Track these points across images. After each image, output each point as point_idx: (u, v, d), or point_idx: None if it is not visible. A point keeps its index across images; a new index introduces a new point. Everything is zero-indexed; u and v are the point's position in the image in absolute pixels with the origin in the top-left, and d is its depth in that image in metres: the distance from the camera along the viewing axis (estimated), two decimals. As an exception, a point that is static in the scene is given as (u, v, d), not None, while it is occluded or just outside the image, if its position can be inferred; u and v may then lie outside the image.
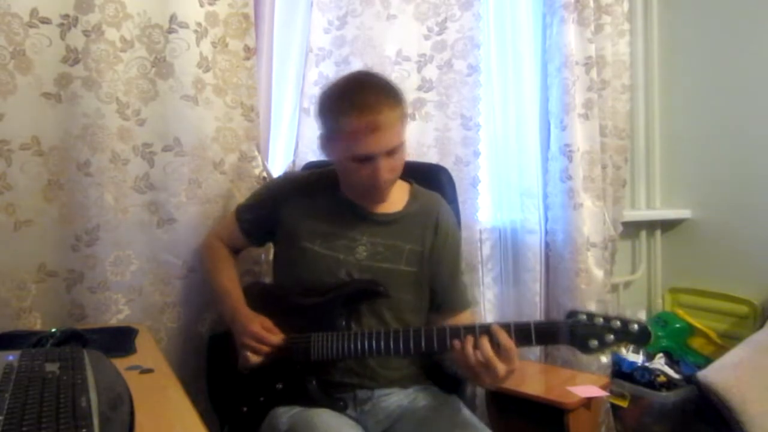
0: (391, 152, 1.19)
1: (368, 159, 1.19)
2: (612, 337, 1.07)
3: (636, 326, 1.07)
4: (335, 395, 1.25)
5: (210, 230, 1.50)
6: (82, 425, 0.62)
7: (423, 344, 1.14)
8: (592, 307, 2.11)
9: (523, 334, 1.09)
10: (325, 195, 1.33)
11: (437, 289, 1.34)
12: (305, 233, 1.31)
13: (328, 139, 1.26)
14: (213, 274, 1.41)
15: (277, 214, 1.36)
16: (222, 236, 1.46)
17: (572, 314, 1.10)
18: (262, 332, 1.21)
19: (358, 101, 1.17)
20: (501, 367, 1.06)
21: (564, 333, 1.09)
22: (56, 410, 0.65)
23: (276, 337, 1.21)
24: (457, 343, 1.09)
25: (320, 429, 1.12)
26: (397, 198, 1.34)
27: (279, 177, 1.56)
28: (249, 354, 1.21)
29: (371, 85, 1.21)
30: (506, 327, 1.10)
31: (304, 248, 1.30)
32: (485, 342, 1.07)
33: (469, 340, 1.08)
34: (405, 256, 1.30)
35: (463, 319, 1.34)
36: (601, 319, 1.08)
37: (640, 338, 1.07)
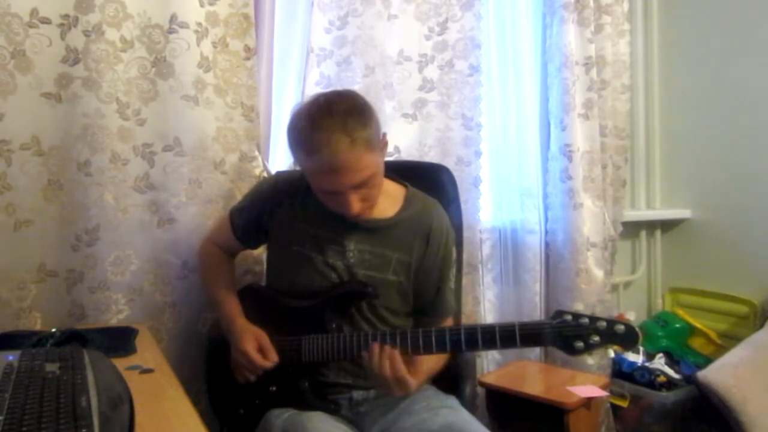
0: (360, 185, 1.14)
1: (335, 192, 1.16)
2: (597, 338, 1.04)
3: (622, 327, 1.03)
4: (329, 397, 1.25)
5: (206, 235, 1.49)
6: (82, 425, 0.62)
7: (409, 346, 1.13)
8: (593, 307, 2.11)
9: (507, 335, 1.08)
10: (316, 197, 1.29)
11: (422, 298, 1.33)
12: (296, 236, 1.30)
13: (299, 167, 1.23)
14: (209, 284, 1.39)
15: (269, 216, 1.34)
16: (217, 240, 1.44)
17: (557, 314, 1.07)
18: (255, 355, 1.19)
19: (312, 141, 1.10)
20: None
21: (548, 335, 1.07)
22: (56, 410, 0.65)
23: (268, 362, 1.20)
24: (365, 354, 1.13)
25: None
26: (390, 203, 1.30)
27: (270, 178, 1.51)
28: (243, 373, 1.22)
29: (327, 120, 1.10)
30: (491, 329, 1.09)
31: (295, 251, 1.29)
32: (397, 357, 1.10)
33: (382, 351, 1.11)
34: (392, 265, 1.28)
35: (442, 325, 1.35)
36: (587, 320, 1.05)
37: (627, 339, 1.04)
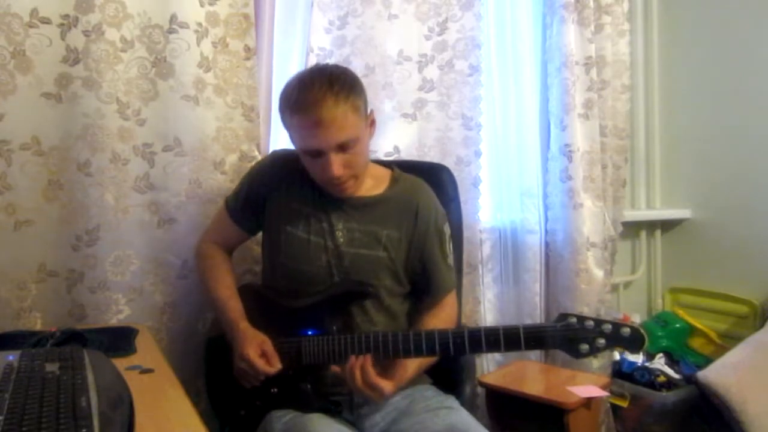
0: (343, 147, 1.18)
1: (319, 153, 1.19)
2: (603, 341, 1.03)
3: (628, 330, 1.02)
4: (330, 398, 1.25)
5: (202, 234, 1.48)
6: (82, 425, 0.62)
7: (412, 348, 1.13)
8: (593, 307, 2.11)
9: (512, 338, 1.07)
10: (309, 178, 1.30)
11: (419, 276, 1.33)
12: (291, 217, 1.31)
13: (287, 132, 1.27)
14: (209, 285, 1.38)
15: (263, 196, 1.35)
16: (214, 237, 1.44)
17: (562, 317, 1.06)
18: (258, 361, 1.17)
19: (300, 98, 1.17)
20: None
21: (553, 337, 1.06)
22: (56, 410, 0.65)
23: (272, 368, 1.18)
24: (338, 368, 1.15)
25: None
26: (377, 183, 1.33)
27: (266, 158, 1.51)
28: (247, 378, 1.21)
29: (316, 81, 1.18)
30: (495, 331, 1.08)
31: (288, 232, 1.30)
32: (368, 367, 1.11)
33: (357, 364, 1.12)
34: (382, 242, 1.29)
35: (445, 304, 1.34)
36: (592, 323, 1.04)
37: (633, 342, 1.02)
